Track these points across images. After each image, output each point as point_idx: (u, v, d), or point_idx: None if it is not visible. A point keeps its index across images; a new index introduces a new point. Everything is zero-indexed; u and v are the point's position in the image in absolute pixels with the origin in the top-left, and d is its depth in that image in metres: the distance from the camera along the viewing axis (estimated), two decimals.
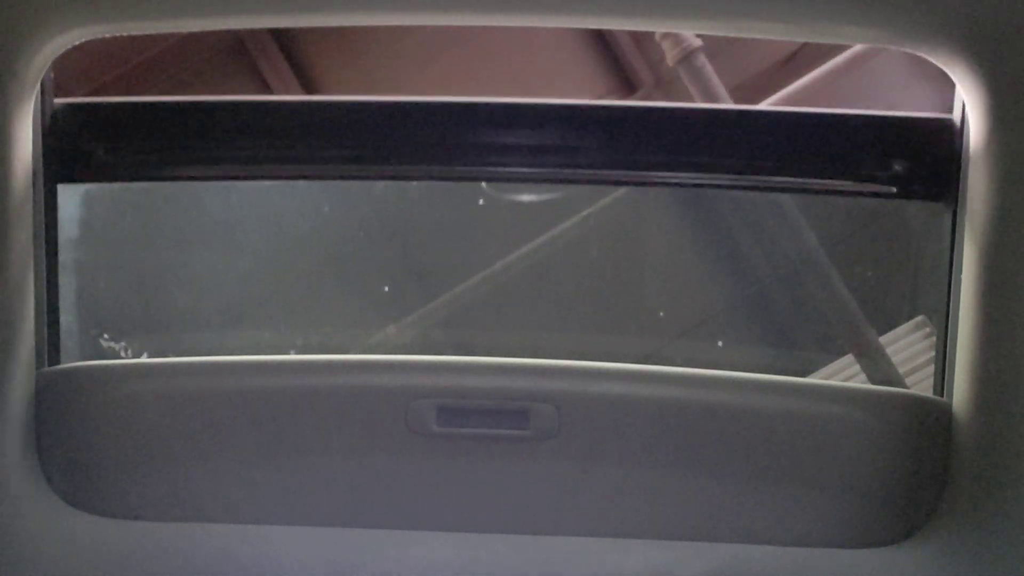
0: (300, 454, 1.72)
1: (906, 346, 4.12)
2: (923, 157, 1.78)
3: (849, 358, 4.00)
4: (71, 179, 1.82)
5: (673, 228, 5.52)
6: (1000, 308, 1.55)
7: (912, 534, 1.68)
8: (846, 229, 5.48)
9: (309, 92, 5.39)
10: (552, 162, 1.86)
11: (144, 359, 1.78)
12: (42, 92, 1.72)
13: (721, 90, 4.68)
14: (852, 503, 1.70)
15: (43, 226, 1.76)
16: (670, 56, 4.67)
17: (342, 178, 1.94)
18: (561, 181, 1.87)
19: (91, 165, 1.83)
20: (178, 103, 1.89)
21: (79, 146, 1.81)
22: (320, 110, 1.90)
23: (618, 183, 1.90)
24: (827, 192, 1.89)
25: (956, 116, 1.78)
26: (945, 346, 1.78)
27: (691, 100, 4.84)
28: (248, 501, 1.73)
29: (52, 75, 1.76)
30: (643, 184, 1.86)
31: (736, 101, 4.71)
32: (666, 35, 4.59)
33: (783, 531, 1.70)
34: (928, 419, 1.70)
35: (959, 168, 1.70)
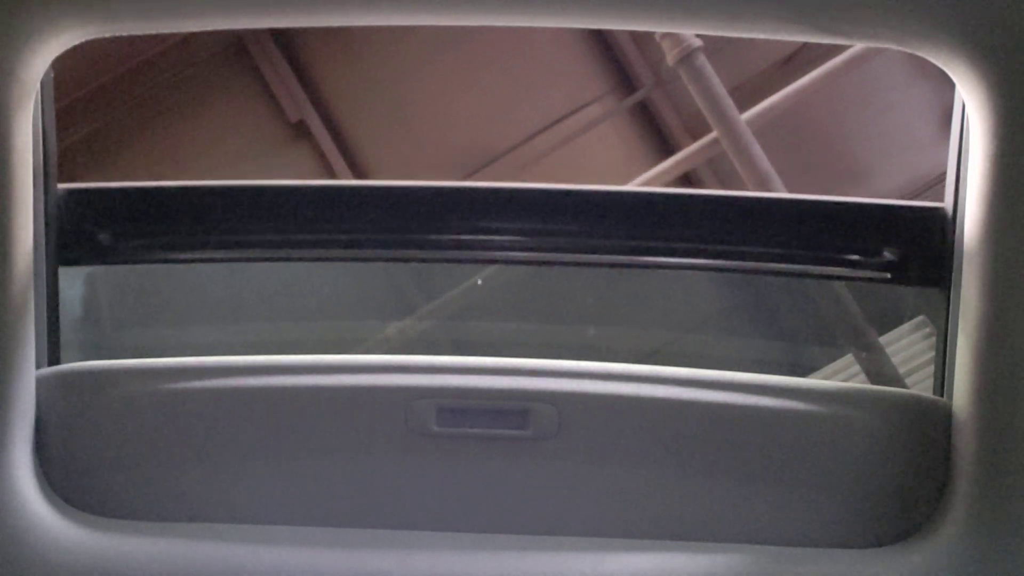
0: (300, 454, 1.72)
1: (906, 346, 4.13)
2: (917, 246, 1.83)
3: (849, 358, 4.00)
4: (74, 262, 1.87)
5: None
6: (1000, 308, 1.55)
7: (912, 534, 1.68)
8: None
9: (309, 93, 5.39)
10: (546, 245, 1.94)
11: (144, 359, 1.78)
12: (42, 92, 1.72)
13: (721, 90, 4.68)
14: (852, 503, 1.70)
15: (43, 226, 1.76)
16: (670, 56, 4.67)
17: (344, 260, 2.00)
18: (554, 263, 1.93)
19: (94, 249, 1.88)
20: (180, 188, 1.94)
21: (82, 230, 1.86)
22: (320, 194, 1.95)
23: (612, 266, 1.95)
24: (821, 277, 1.93)
25: (956, 117, 1.79)
26: (945, 346, 1.78)
27: (691, 100, 4.84)
28: (248, 501, 1.73)
29: (52, 75, 1.76)
30: (635, 267, 1.93)
31: (736, 101, 4.71)
32: (666, 35, 4.59)
33: (783, 531, 1.70)
34: (928, 419, 1.70)
35: (952, 249, 1.75)
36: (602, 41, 5.56)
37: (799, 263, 1.91)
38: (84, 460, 1.72)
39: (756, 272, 1.93)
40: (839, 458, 1.70)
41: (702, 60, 4.65)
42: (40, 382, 1.71)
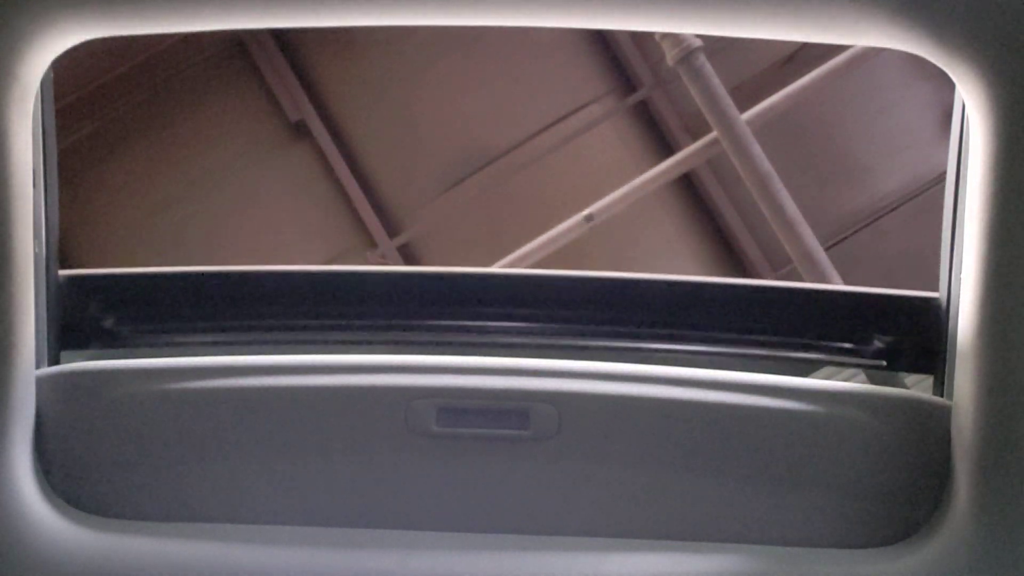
0: (300, 454, 1.72)
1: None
2: (912, 335, 1.86)
3: None
4: (77, 347, 1.88)
5: (673, 227, 5.52)
6: (1000, 308, 1.55)
7: (912, 534, 1.68)
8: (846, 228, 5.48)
9: (309, 93, 5.39)
10: (543, 331, 1.97)
11: (144, 359, 1.78)
12: (42, 93, 1.72)
13: (721, 90, 4.68)
14: (852, 503, 1.70)
15: (43, 226, 1.76)
16: (670, 56, 4.67)
17: (347, 342, 2.03)
18: (551, 347, 1.96)
19: (97, 335, 1.90)
20: (183, 273, 1.97)
21: (84, 316, 1.88)
22: (324, 280, 1.98)
23: (605, 349, 1.98)
24: (816, 363, 1.96)
25: (956, 117, 1.79)
26: (945, 346, 1.78)
27: (691, 100, 4.84)
28: (248, 501, 1.73)
29: (52, 75, 1.76)
30: (631, 351, 1.96)
31: (736, 101, 4.72)
32: (666, 35, 4.59)
33: (783, 531, 1.70)
34: (928, 419, 1.70)
35: (946, 343, 1.77)
36: (602, 41, 5.57)
37: (796, 351, 1.94)
38: (84, 460, 1.72)
39: (749, 358, 1.96)
40: (839, 458, 1.70)
41: (702, 60, 4.65)
42: (40, 382, 1.71)
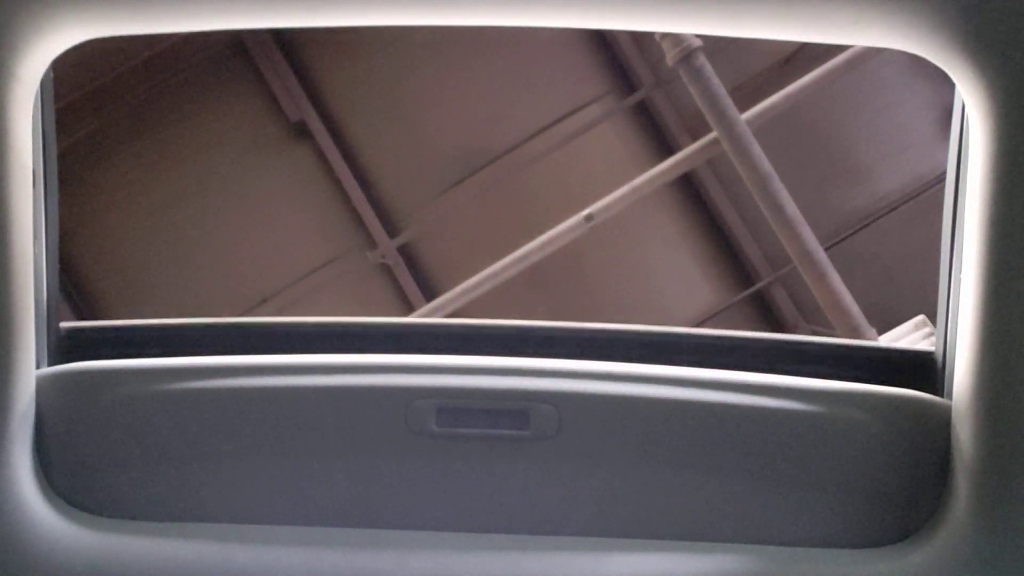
0: (300, 454, 1.72)
1: (906, 346, 4.12)
2: (908, 387, 1.83)
3: None
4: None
5: (673, 225, 5.52)
6: (1000, 308, 1.55)
7: (912, 534, 1.69)
8: (846, 228, 5.48)
9: (309, 93, 5.40)
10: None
11: (144, 359, 1.78)
12: (42, 92, 1.72)
13: (721, 90, 4.69)
14: (852, 503, 1.70)
15: (43, 226, 1.76)
16: (670, 56, 4.68)
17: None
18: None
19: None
20: (182, 325, 1.95)
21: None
22: (323, 332, 1.95)
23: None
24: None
25: (956, 117, 1.79)
26: (945, 346, 1.78)
27: (691, 100, 4.84)
28: (248, 501, 1.73)
29: (52, 75, 1.76)
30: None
31: (736, 101, 4.72)
32: (666, 35, 4.59)
33: (783, 531, 1.70)
34: (928, 419, 1.70)
35: (952, 256, 1.76)
36: (602, 41, 5.57)
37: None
38: (84, 460, 1.72)
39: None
40: (839, 458, 1.70)
41: (702, 60, 4.65)
42: (40, 382, 1.71)
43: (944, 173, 1.85)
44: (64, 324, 1.87)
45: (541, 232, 4.89)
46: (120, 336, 1.92)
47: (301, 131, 5.41)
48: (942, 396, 1.78)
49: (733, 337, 2.00)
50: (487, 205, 5.38)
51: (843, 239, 5.45)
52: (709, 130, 4.80)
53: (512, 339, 1.92)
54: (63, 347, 1.85)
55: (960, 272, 1.66)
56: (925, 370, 1.84)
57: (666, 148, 5.45)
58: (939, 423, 1.69)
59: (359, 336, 1.94)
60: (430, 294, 5.35)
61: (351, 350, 1.87)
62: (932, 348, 1.85)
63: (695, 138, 5.17)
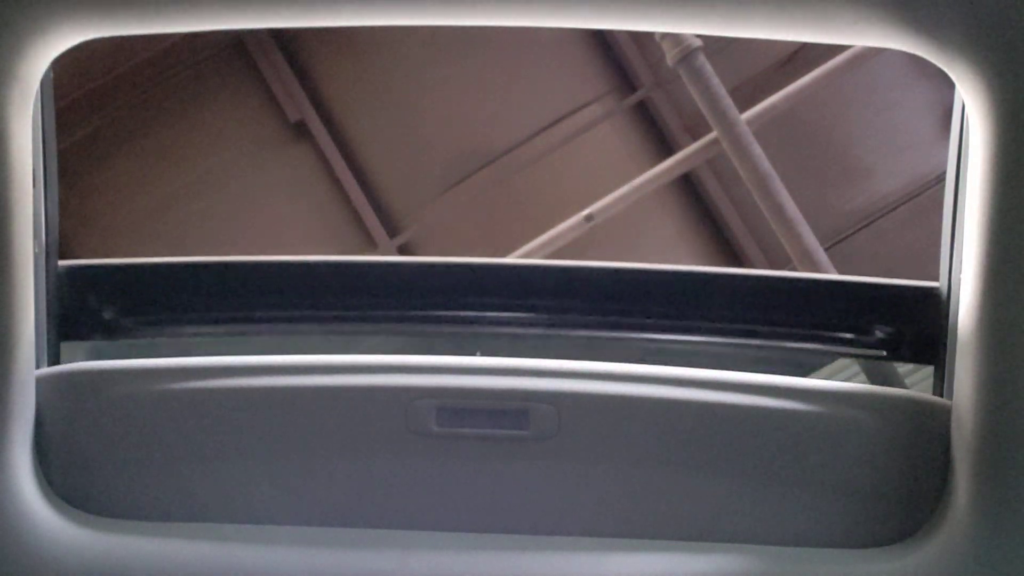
0: (300, 454, 1.72)
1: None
2: (912, 324, 1.87)
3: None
4: (77, 337, 1.89)
5: (673, 225, 5.52)
6: (1000, 308, 1.55)
7: (912, 534, 1.68)
8: (846, 228, 5.48)
9: (309, 93, 5.39)
10: (548, 321, 1.98)
11: (144, 359, 1.78)
12: (42, 92, 1.72)
13: (721, 90, 4.68)
14: (852, 503, 1.70)
15: (43, 225, 1.76)
16: (670, 56, 4.67)
17: (346, 334, 2.04)
18: (555, 336, 1.97)
19: (97, 325, 1.91)
20: (182, 264, 1.96)
21: (84, 306, 1.88)
22: (323, 269, 1.98)
23: (607, 340, 2.00)
24: (817, 353, 1.96)
25: (956, 117, 1.78)
26: (945, 346, 1.78)
27: (691, 100, 4.84)
28: (248, 501, 1.73)
29: (52, 75, 1.76)
30: (632, 342, 1.97)
31: (736, 101, 4.71)
32: (666, 35, 4.59)
33: (783, 531, 1.70)
34: (928, 419, 1.70)
35: (946, 331, 1.78)
36: (602, 41, 5.56)
37: (794, 340, 1.95)
38: (84, 460, 1.72)
39: (750, 348, 1.97)
40: (839, 458, 1.70)
41: (702, 60, 4.64)
42: (40, 382, 1.71)
43: (944, 173, 1.85)
44: (62, 262, 1.86)
45: (541, 232, 4.89)
46: (118, 274, 1.92)
47: (301, 131, 5.40)
48: (945, 337, 1.78)
49: (734, 275, 2.02)
50: (487, 205, 5.38)
51: (843, 239, 5.44)
52: (709, 130, 4.80)
53: (489, 276, 1.96)
54: (62, 287, 1.85)
55: (960, 272, 1.66)
56: (927, 303, 1.84)
57: (666, 148, 5.45)
58: (939, 423, 1.68)
59: (350, 274, 1.96)
60: None
61: (340, 288, 1.90)
62: (935, 283, 1.85)
63: (695, 138, 5.17)
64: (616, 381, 1.73)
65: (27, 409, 1.67)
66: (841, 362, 4.12)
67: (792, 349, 1.95)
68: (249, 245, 5.31)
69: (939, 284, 1.83)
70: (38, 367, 1.73)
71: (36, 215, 1.69)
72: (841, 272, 4.68)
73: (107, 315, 1.91)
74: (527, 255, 4.85)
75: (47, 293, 1.79)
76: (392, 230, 5.42)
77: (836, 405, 1.71)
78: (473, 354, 1.86)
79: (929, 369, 1.87)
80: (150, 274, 1.95)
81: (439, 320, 1.99)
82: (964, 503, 1.61)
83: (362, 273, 1.99)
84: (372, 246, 5.40)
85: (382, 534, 1.72)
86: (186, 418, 1.72)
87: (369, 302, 1.96)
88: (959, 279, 1.67)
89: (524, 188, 5.39)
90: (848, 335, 1.92)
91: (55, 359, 1.83)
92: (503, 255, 4.89)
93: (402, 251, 5.42)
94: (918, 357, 1.90)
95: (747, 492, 1.70)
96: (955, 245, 1.76)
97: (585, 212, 4.82)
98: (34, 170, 1.67)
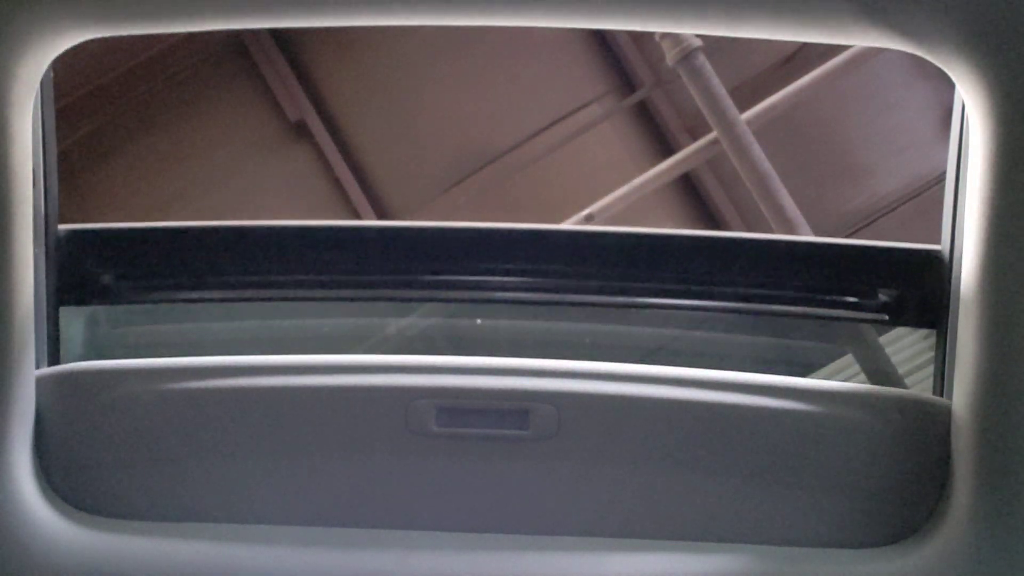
0: (300, 454, 1.72)
1: (906, 346, 4.13)
2: (914, 288, 1.85)
3: (849, 358, 4.00)
4: (76, 302, 1.88)
5: (674, 225, 5.52)
6: (1000, 308, 1.55)
7: (912, 534, 1.68)
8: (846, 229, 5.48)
9: (309, 93, 5.40)
10: (549, 287, 1.96)
11: (144, 359, 1.78)
12: (42, 92, 1.72)
13: (721, 90, 4.68)
14: (852, 503, 1.70)
15: (43, 226, 1.76)
16: (670, 56, 4.67)
17: (348, 300, 2.02)
18: (558, 304, 1.96)
19: (96, 289, 1.89)
20: (182, 228, 1.96)
21: (84, 271, 1.87)
22: (324, 235, 1.97)
23: (609, 306, 1.99)
24: (818, 318, 1.95)
25: (956, 117, 1.79)
26: (945, 346, 1.78)
27: (691, 100, 4.84)
28: (248, 501, 1.73)
29: (52, 75, 1.76)
30: (633, 307, 1.96)
31: (736, 101, 4.72)
32: (666, 35, 4.59)
33: (783, 531, 1.70)
34: (928, 419, 1.70)
35: (949, 297, 1.77)
36: (602, 41, 5.56)
37: (796, 304, 1.93)
38: (84, 460, 1.72)
39: (752, 313, 1.96)
40: (839, 458, 1.70)
41: (702, 60, 4.64)
42: (40, 382, 1.71)
43: (944, 173, 1.85)
44: (62, 226, 1.85)
45: None
46: (119, 238, 1.91)
47: (301, 131, 5.40)
48: (947, 294, 1.77)
49: (735, 239, 2.01)
50: (487, 205, 5.38)
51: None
52: (709, 130, 4.80)
53: (484, 241, 1.93)
54: (62, 251, 1.84)
55: (960, 272, 1.66)
56: (930, 267, 1.83)
57: (666, 148, 5.45)
58: (939, 423, 1.68)
59: (354, 238, 1.95)
60: None
61: (342, 253, 1.89)
62: (938, 247, 1.84)
63: (695, 138, 5.17)
64: (616, 381, 1.73)
65: (27, 409, 1.67)
66: (841, 362, 4.12)
67: (793, 313, 1.93)
68: None
69: (941, 247, 1.82)
70: (38, 367, 1.73)
71: (36, 215, 1.69)
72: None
73: (106, 279, 1.89)
74: None
75: (47, 293, 1.79)
76: None
77: (836, 405, 1.71)
78: (473, 321, 1.85)
79: (929, 369, 1.87)
80: (150, 238, 1.92)
81: (441, 285, 1.97)
82: (964, 503, 1.61)
83: (365, 237, 1.96)
84: None
85: (382, 534, 1.72)
86: (186, 418, 1.72)
87: (371, 267, 1.94)
88: (959, 277, 1.67)
89: (524, 188, 5.39)
90: (849, 299, 1.90)
91: (55, 359, 1.83)
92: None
93: None
94: (920, 321, 1.87)
95: (747, 492, 1.70)
96: (955, 245, 1.77)
97: (585, 212, 4.82)
98: (34, 170, 1.67)
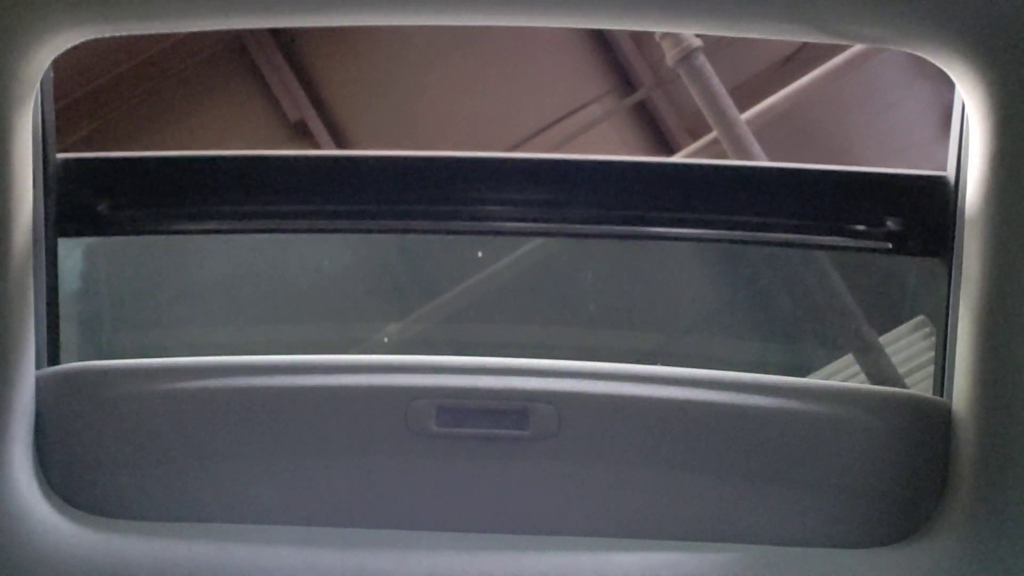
0: (300, 454, 1.72)
1: (906, 346, 4.12)
2: (919, 216, 1.82)
3: (849, 358, 4.00)
4: (73, 233, 1.85)
5: None
6: (1000, 308, 1.55)
7: (912, 534, 1.68)
8: None
9: (309, 93, 5.40)
10: (551, 216, 1.91)
11: (144, 359, 1.78)
12: (42, 93, 1.72)
13: (721, 90, 4.68)
14: (852, 503, 1.70)
15: (43, 226, 1.75)
16: (670, 56, 4.67)
17: (344, 231, 1.99)
18: (559, 234, 1.92)
19: (93, 219, 1.86)
20: (179, 157, 1.92)
21: (80, 200, 1.84)
22: (322, 164, 1.93)
23: (613, 236, 1.95)
24: (822, 247, 1.91)
25: (956, 118, 1.79)
26: (945, 346, 1.78)
27: (691, 100, 4.85)
28: (248, 501, 1.73)
29: (52, 75, 1.76)
30: (637, 238, 1.92)
31: (736, 101, 4.72)
32: (666, 35, 4.59)
33: (783, 531, 1.70)
34: (928, 419, 1.70)
35: (954, 221, 1.74)
36: (602, 41, 5.56)
37: (799, 233, 1.89)
38: (84, 460, 1.72)
39: (757, 243, 1.92)
40: (839, 458, 1.70)
41: (702, 60, 4.64)
42: (40, 382, 1.71)
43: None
44: (60, 155, 1.83)
45: None
46: (116, 168, 1.89)
47: (301, 131, 5.40)
48: (953, 221, 1.74)
49: (739, 167, 1.98)
50: None
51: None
52: (709, 130, 4.80)
53: (482, 169, 1.89)
54: (60, 179, 1.81)
55: (960, 272, 1.66)
56: (933, 194, 1.80)
57: (666, 148, 5.45)
58: (938, 423, 1.68)
59: (349, 168, 1.90)
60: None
61: (338, 183, 1.86)
62: (943, 172, 1.80)
63: (695, 138, 5.17)
64: (616, 381, 1.73)
65: (27, 409, 1.67)
66: (841, 362, 4.12)
67: (795, 242, 1.89)
68: (248, 244, 5.31)
69: (946, 173, 1.79)
70: (38, 367, 1.73)
71: (36, 215, 1.69)
72: (842, 273, 4.68)
73: (102, 208, 1.86)
74: (528, 253, 4.85)
75: (47, 294, 1.79)
76: None
77: (836, 405, 1.71)
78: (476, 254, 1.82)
79: (929, 370, 1.86)
80: (148, 167, 1.89)
81: (440, 216, 1.93)
82: (964, 503, 1.61)
83: (361, 167, 1.91)
84: None
85: (382, 534, 1.72)
86: (186, 418, 1.72)
87: (369, 197, 1.90)
88: (959, 278, 1.67)
89: None
90: (852, 227, 1.87)
91: (55, 359, 1.84)
92: (504, 253, 4.89)
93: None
94: (925, 249, 1.83)
95: (747, 492, 1.70)
96: (955, 245, 1.76)
97: None
98: (34, 170, 1.67)
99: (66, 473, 1.72)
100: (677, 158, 1.83)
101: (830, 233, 1.89)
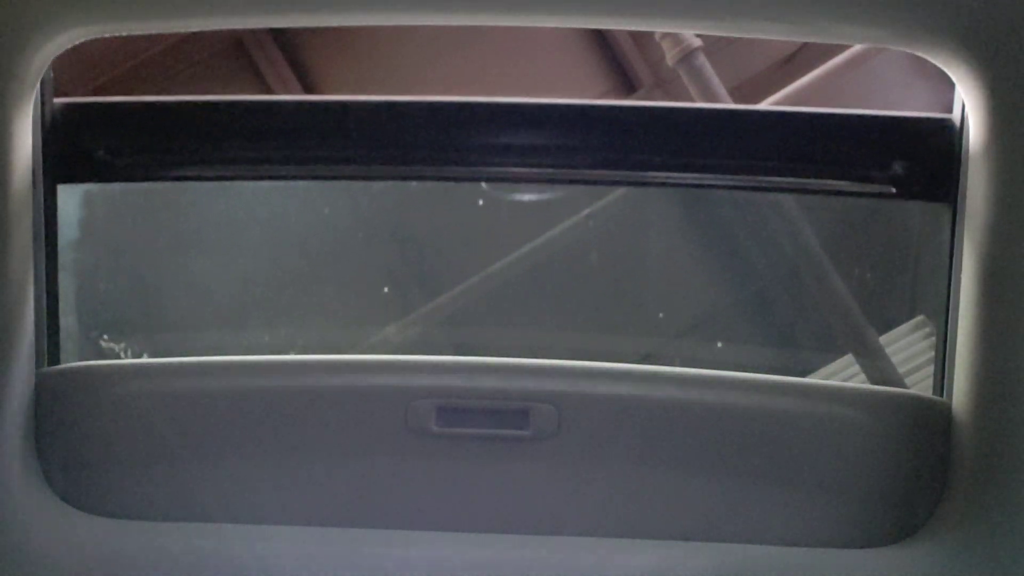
0: (300, 454, 1.72)
1: (906, 346, 4.12)
2: (923, 157, 1.78)
3: (849, 358, 4.00)
4: (71, 179, 1.81)
5: (673, 227, 5.52)
6: (1000, 308, 1.55)
7: (912, 534, 1.69)
8: (846, 228, 5.48)
9: (309, 92, 5.40)
10: (552, 162, 1.86)
11: (144, 359, 1.78)
12: (42, 92, 1.72)
13: (721, 90, 4.68)
14: (852, 503, 1.70)
15: (43, 226, 1.76)
16: (670, 56, 4.67)
17: (343, 178, 1.96)
18: (560, 181, 1.89)
19: (91, 165, 1.82)
20: (178, 103, 1.88)
21: (79, 146, 1.80)
22: (321, 110, 1.89)
23: (616, 183, 1.92)
24: (826, 192, 1.88)
25: (956, 116, 1.79)
26: (945, 346, 1.78)
27: (691, 100, 4.85)
28: (248, 501, 1.73)
29: (52, 75, 1.76)
30: (641, 184, 1.89)
31: (736, 101, 4.71)
32: (666, 35, 4.59)
33: (783, 531, 1.70)
34: (928, 419, 1.70)
35: (959, 168, 1.71)
36: (602, 41, 5.56)
37: (803, 177, 1.86)
38: (84, 459, 1.72)
39: (763, 188, 1.90)
40: (839, 458, 1.70)
41: (702, 60, 4.64)
42: (40, 382, 1.71)
43: None
44: (58, 100, 1.79)
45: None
46: (114, 112, 1.86)
47: None
48: (958, 164, 1.71)
49: (738, 110, 1.95)
50: None
51: (843, 239, 5.44)
52: None
53: (488, 114, 1.85)
54: (56, 124, 1.78)
55: (960, 272, 1.66)
56: (937, 137, 1.77)
57: None
58: (938, 423, 1.69)
59: (350, 113, 1.85)
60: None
61: (339, 128, 1.82)
62: (947, 115, 1.77)
63: None
64: (616, 381, 1.73)
65: (27, 408, 1.67)
66: (841, 362, 4.12)
67: (798, 187, 1.87)
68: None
69: (952, 116, 1.75)
70: (38, 367, 1.73)
71: (36, 215, 1.69)
72: (842, 273, 4.68)
73: (99, 153, 1.82)
74: (528, 253, 4.85)
75: (48, 289, 1.79)
76: None
77: (836, 405, 1.71)
78: (476, 202, 1.78)
79: (929, 369, 1.86)
80: (147, 112, 1.85)
81: (444, 161, 1.89)
82: (964, 503, 1.61)
83: (362, 111, 1.86)
84: None
85: (382, 534, 1.72)
86: (186, 418, 1.72)
87: (370, 143, 1.86)
88: (959, 279, 1.67)
89: None
90: (855, 171, 1.83)
91: (55, 359, 1.84)
92: (504, 252, 4.89)
93: None
94: (926, 194, 1.80)
95: (747, 492, 1.70)
96: (955, 245, 1.76)
97: (586, 212, 4.82)
98: (34, 170, 1.67)
99: (66, 472, 1.72)
100: (681, 103, 1.81)
101: (834, 177, 1.85)
